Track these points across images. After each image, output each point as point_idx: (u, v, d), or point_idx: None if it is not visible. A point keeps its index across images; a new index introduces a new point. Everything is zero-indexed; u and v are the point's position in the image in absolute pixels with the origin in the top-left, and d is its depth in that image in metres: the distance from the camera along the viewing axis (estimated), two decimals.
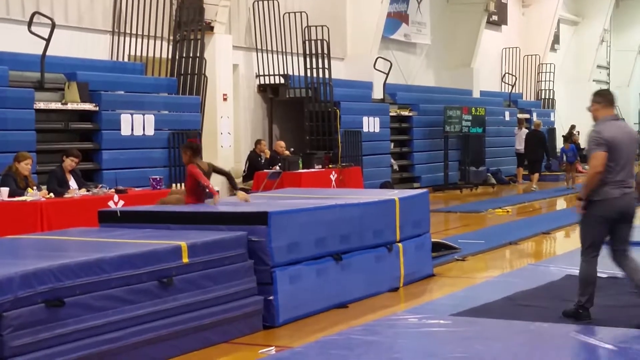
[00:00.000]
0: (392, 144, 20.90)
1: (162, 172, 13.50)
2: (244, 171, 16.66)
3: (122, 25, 14.75)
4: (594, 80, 35.95)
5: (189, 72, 15.28)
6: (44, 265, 5.65)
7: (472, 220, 15.64)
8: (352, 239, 8.39)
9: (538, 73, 30.15)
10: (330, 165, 17.05)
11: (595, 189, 6.89)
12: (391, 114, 20.75)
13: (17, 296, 5.38)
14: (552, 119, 29.38)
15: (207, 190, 8.76)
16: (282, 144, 17.19)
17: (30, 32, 12.43)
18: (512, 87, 27.48)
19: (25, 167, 10.41)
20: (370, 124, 19.49)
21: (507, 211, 16.45)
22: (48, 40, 12.45)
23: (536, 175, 22.16)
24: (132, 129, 13.62)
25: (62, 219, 9.57)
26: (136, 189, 11.67)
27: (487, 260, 11.08)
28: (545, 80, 30.18)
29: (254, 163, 16.51)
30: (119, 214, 8.14)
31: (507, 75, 27.76)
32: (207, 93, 15.63)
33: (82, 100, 12.92)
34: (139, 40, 14.82)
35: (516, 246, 12.26)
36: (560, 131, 29.94)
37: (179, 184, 13.46)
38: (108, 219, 8.11)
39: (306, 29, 18.21)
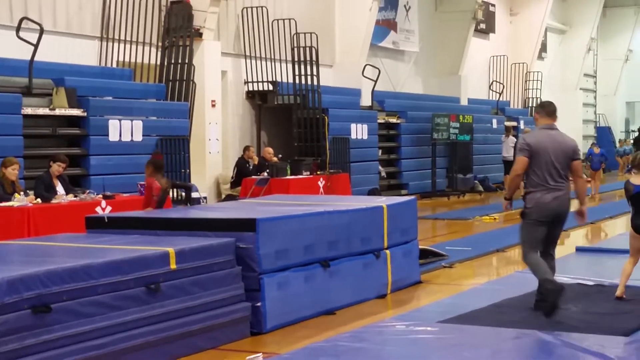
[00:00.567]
0: (380, 151, 20.95)
1: None
2: (232, 177, 16.65)
3: (111, 31, 14.74)
4: (580, 89, 36.11)
5: (178, 78, 15.27)
6: (30, 271, 5.63)
7: (459, 227, 15.67)
8: (339, 246, 8.39)
9: (525, 81, 30.27)
10: (318, 172, 17.04)
11: (529, 196, 7.54)
12: (379, 121, 20.80)
13: (3, 302, 5.35)
14: None
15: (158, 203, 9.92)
16: (270, 150, 17.19)
17: (19, 37, 12.41)
18: (500, 95, 27.55)
19: (13, 172, 10.38)
20: (359, 131, 19.52)
21: (495, 218, 16.46)
22: (36, 46, 12.43)
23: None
24: (120, 135, 13.61)
25: (49, 225, 9.55)
26: (124, 195, 11.67)
27: (474, 268, 11.11)
28: (532, 89, 30.29)
29: (242, 169, 16.50)
30: (106, 220, 8.12)
31: (494, 83, 27.85)
32: (196, 99, 15.63)
33: (70, 106, 12.91)
34: (128, 46, 14.82)
35: (503, 253, 12.29)
36: None
37: None
38: (95, 224, 8.09)
39: (295, 35, 18.23)
